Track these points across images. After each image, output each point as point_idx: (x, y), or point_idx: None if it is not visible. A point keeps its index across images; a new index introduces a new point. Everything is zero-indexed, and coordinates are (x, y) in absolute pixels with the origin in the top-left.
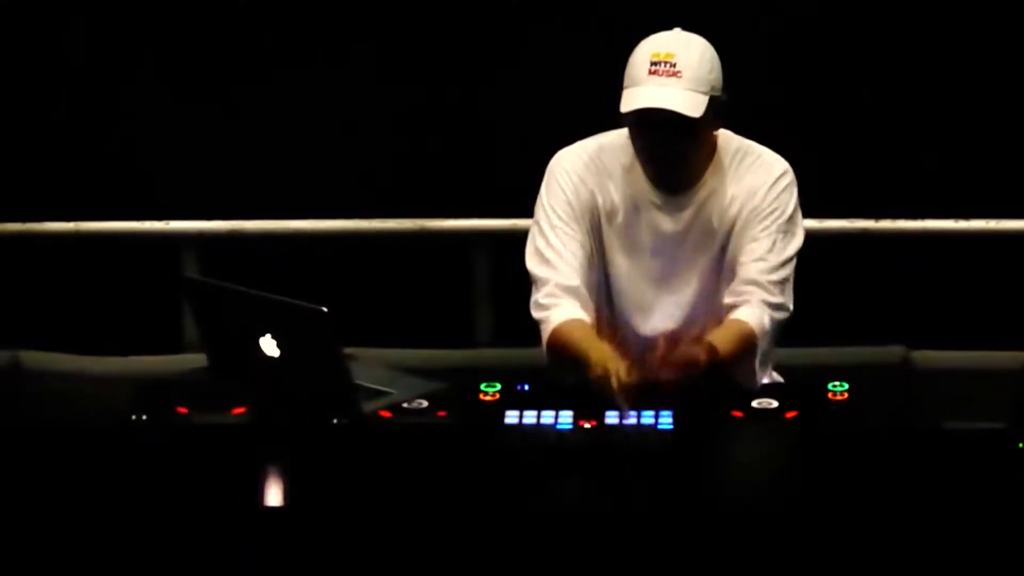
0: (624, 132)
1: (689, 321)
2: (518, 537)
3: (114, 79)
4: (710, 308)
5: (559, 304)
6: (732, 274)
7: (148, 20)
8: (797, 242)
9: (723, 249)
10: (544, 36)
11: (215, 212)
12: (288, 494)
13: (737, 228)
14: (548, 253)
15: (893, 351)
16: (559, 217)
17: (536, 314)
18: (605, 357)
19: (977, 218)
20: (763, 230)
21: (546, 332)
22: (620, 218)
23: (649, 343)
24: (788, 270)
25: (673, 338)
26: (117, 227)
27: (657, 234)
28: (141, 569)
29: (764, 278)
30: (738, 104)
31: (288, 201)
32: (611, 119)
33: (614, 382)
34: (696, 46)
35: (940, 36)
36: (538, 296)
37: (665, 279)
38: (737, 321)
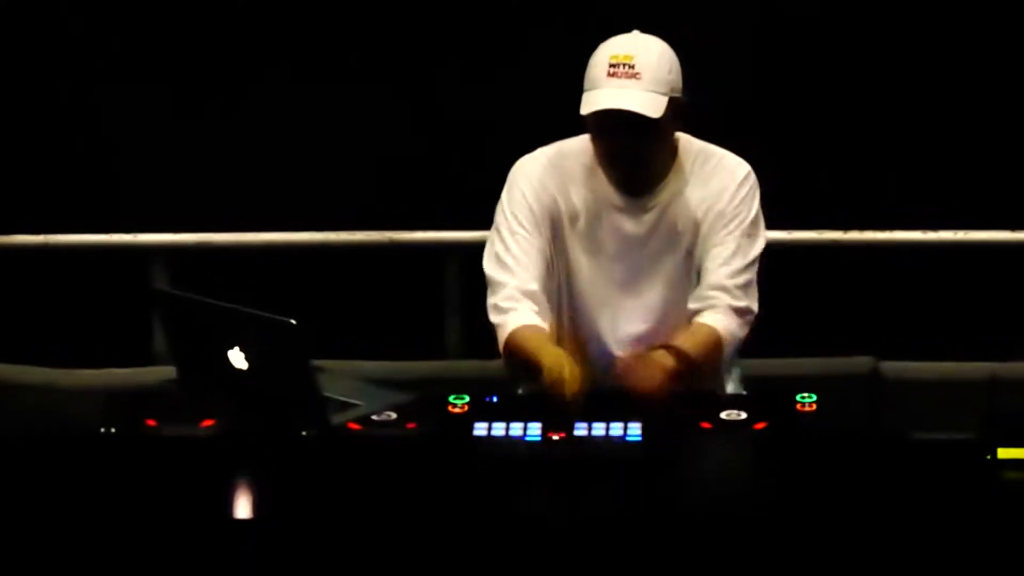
0: (586, 136)
1: (654, 325)
2: (487, 548)
3: (84, 91)
4: (675, 312)
5: (516, 308)
6: (698, 278)
7: (119, 32)
8: (760, 244)
9: (689, 253)
10: (508, 48)
11: (185, 224)
12: (257, 507)
13: (702, 232)
14: (507, 258)
15: (861, 362)
16: (519, 223)
17: (493, 318)
18: (558, 364)
19: (945, 229)
20: (727, 234)
21: (502, 336)
22: (582, 222)
23: (612, 360)
24: (752, 273)
25: (634, 359)
26: (87, 239)
27: (620, 237)
28: None
29: (729, 282)
30: (709, 114)
31: (258, 213)
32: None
33: (566, 390)
34: (654, 48)
35: (907, 48)
36: (495, 300)
37: (628, 282)
38: (704, 326)
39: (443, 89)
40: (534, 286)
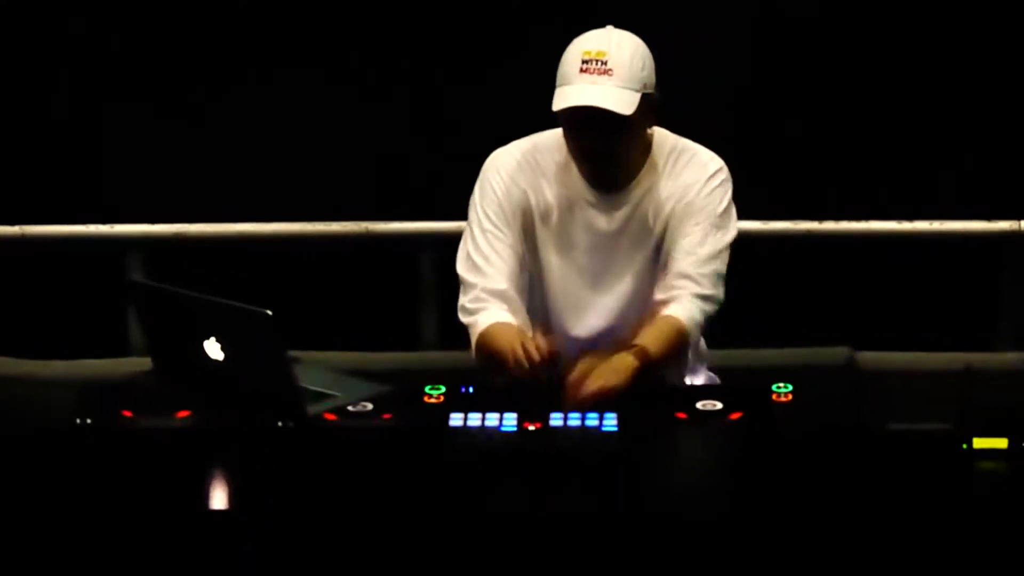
0: (557, 132)
1: (623, 320)
2: (463, 539)
3: (57, 83)
4: (645, 307)
5: (486, 308)
6: (665, 270)
7: (90, 24)
8: (730, 235)
9: (658, 248)
10: (484, 42)
11: (160, 215)
12: (233, 497)
13: (671, 225)
14: (477, 257)
15: (837, 352)
16: (490, 220)
17: (463, 319)
18: (513, 344)
19: (920, 219)
20: (695, 224)
21: (474, 336)
22: (555, 218)
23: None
24: (719, 263)
25: (580, 376)
26: (62, 231)
27: (592, 233)
28: (85, 572)
29: (695, 271)
30: (686, 104)
31: (233, 204)
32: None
33: (523, 362)
34: (627, 44)
35: (883, 38)
36: (465, 301)
37: (600, 278)
38: (668, 318)
39: (420, 82)
40: (504, 285)
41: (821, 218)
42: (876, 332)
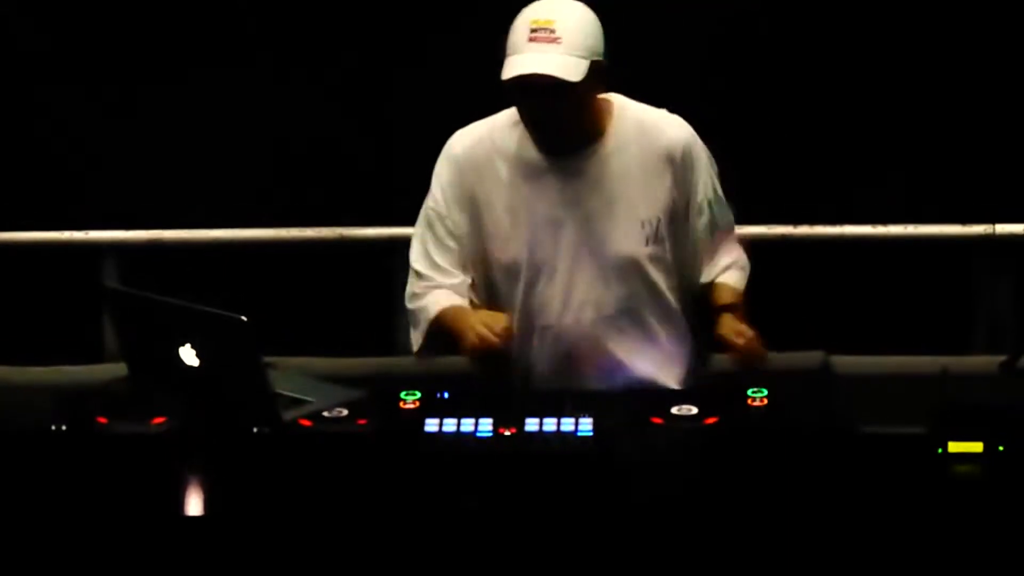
0: (513, 111)
1: (610, 289)
2: (438, 545)
3: (30, 86)
4: (633, 274)
5: (435, 291)
6: (670, 247)
7: (64, 25)
8: (718, 181)
9: (637, 217)
10: (468, 44)
11: (135, 221)
12: (208, 504)
13: (677, 219)
14: (428, 246)
15: (812, 356)
16: (441, 208)
17: (411, 304)
18: (473, 324)
19: (895, 223)
20: (709, 228)
21: (425, 320)
22: (517, 192)
23: (564, 329)
24: (729, 213)
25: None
26: (37, 237)
27: (555, 200)
28: None
29: (728, 260)
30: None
31: (207, 210)
32: None
33: (485, 340)
34: (575, 11)
35: (858, 43)
36: (414, 288)
37: (576, 247)
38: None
39: (391, 85)
40: (454, 272)
41: (796, 222)
42: (851, 336)
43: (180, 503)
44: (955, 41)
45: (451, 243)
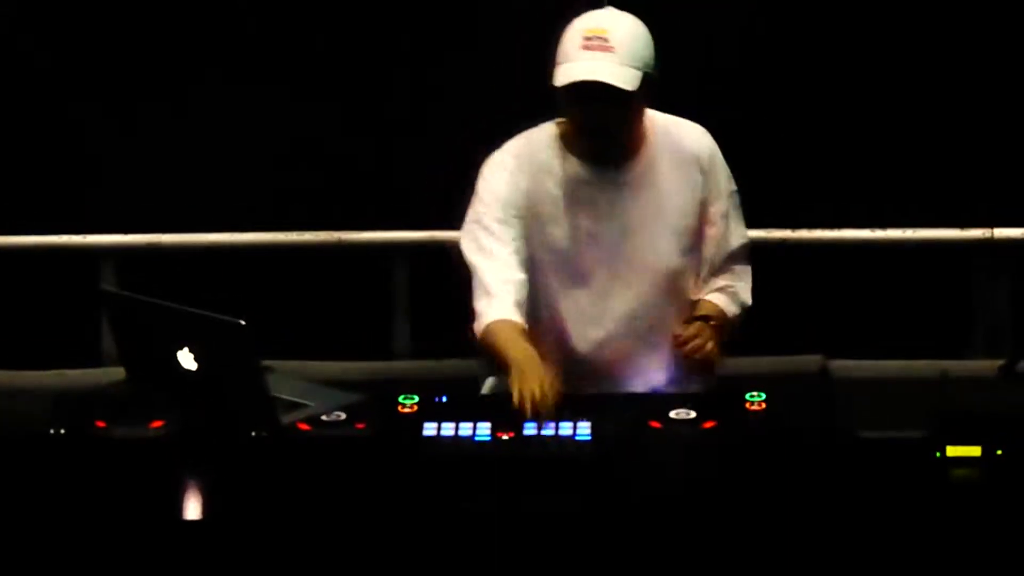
0: (547, 126)
1: (644, 301)
2: (436, 549)
3: (30, 93)
4: (667, 288)
5: (496, 295)
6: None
7: (63, 34)
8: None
9: (673, 227)
10: (465, 48)
11: (133, 225)
12: (206, 507)
13: (701, 223)
14: (489, 245)
15: (811, 360)
16: (495, 217)
17: (476, 304)
18: (526, 372)
19: (893, 228)
20: (731, 232)
21: (479, 326)
22: (560, 206)
23: (599, 342)
24: (743, 236)
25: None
26: (35, 240)
27: (597, 212)
28: None
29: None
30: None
31: (206, 214)
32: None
33: (527, 407)
34: (628, 23)
35: (854, 47)
36: (478, 284)
37: (612, 259)
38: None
39: (391, 91)
40: (515, 274)
41: (794, 226)
42: (849, 340)
43: (178, 507)
44: (953, 46)
45: (504, 235)
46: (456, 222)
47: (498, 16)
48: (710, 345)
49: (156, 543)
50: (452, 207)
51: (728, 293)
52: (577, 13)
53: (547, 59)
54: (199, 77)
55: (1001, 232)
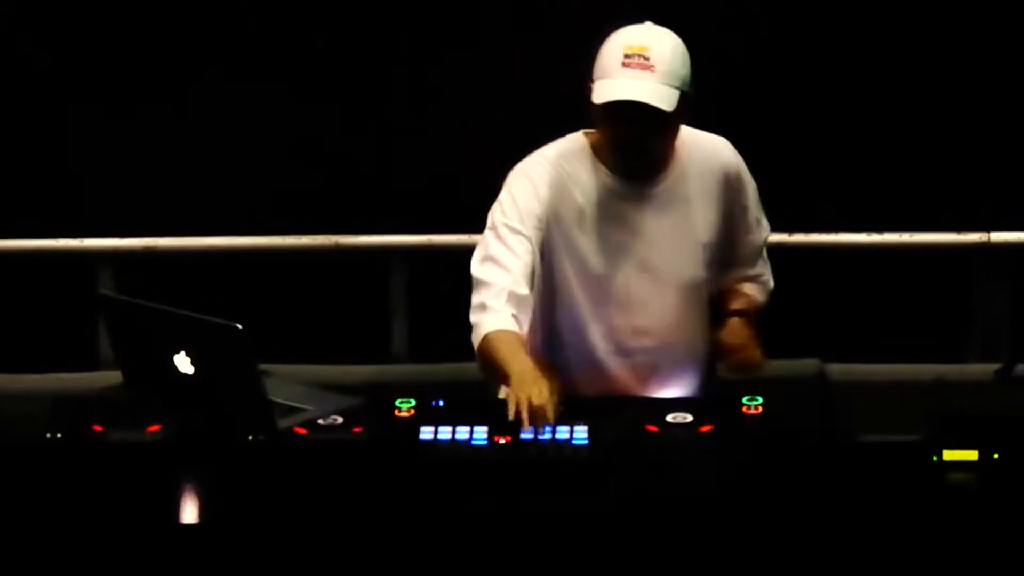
0: (576, 137)
1: (668, 316)
2: (433, 552)
3: (28, 96)
4: (690, 304)
5: (495, 310)
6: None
7: (61, 37)
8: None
9: (700, 240)
10: (465, 48)
11: (130, 229)
12: (203, 511)
13: (726, 231)
14: (497, 256)
15: (808, 364)
16: (510, 227)
17: (472, 317)
18: (527, 387)
19: (891, 231)
20: (755, 233)
21: (477, 337)
22: (588, 218)
23: (620, 357)
24: (767, 230)
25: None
26: (32, 244)
27: (627, 226)
28: None
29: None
30: None
31: (203, 218)
32: (537, 133)
33: (524, 416)
34: (669, 40)
35: (852, 52)
36: (477, 299)
37: (640, 273)
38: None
39: (389, 94)
40: (518, 287)
41: (792, 230)
42: (846, 344)
43: (175, 511)
44: (951, 50)
45: (513, 257)
46: (455, 225)
47: (498, 16)
48: (757, 353)
49: (153, 547)
50: (452, 209)
51: (760, 283)
52: (610, 24)
53: (547, 60)
54: (199, 77)
55: (998, 236)
